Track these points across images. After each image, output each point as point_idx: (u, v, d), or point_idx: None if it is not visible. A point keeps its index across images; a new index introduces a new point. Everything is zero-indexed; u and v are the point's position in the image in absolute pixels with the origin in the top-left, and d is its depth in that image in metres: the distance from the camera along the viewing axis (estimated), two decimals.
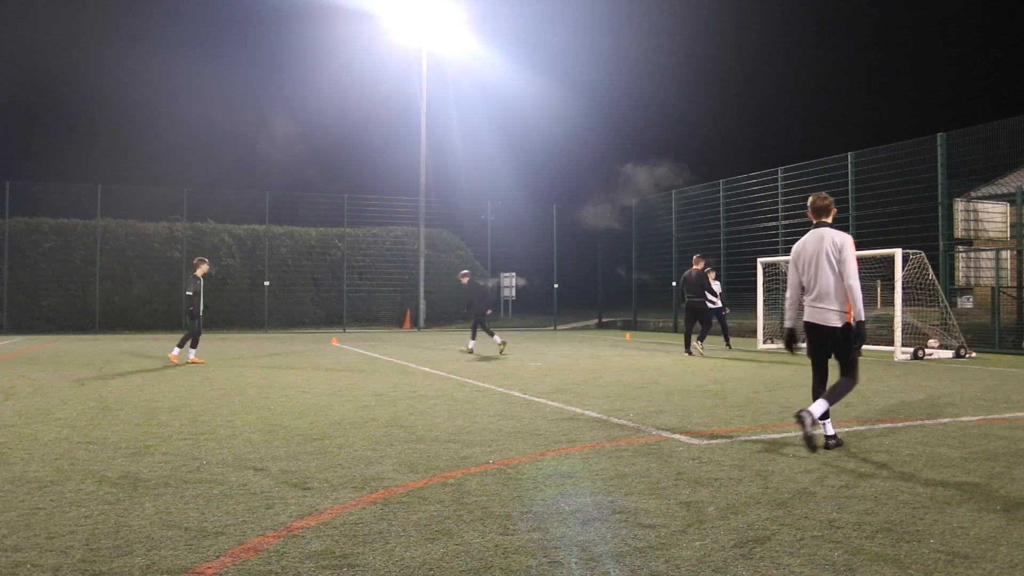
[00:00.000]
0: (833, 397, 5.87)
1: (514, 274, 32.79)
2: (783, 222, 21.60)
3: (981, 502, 4.41)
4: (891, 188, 18.51)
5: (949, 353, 14.56)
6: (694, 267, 16.06)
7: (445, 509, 4.28)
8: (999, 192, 17.87)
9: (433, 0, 27.95)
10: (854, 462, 5.43)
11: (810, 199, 6.28)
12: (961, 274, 17.04)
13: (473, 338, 16.21)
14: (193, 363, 13.48)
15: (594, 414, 7.63)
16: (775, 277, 19.56)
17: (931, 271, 15.22)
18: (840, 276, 5.90)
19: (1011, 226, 16.75)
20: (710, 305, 16.43)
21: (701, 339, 15.73)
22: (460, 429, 6.78)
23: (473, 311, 16.32)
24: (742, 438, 6.36)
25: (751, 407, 8.12)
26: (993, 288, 16.54)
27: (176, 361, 13.54)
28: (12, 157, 56.72)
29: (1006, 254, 16.77)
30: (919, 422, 7.08)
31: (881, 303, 19.61)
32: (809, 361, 6.20)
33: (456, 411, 7.85)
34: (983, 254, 17.02)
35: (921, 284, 15.09)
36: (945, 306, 15.61)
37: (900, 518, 4.10)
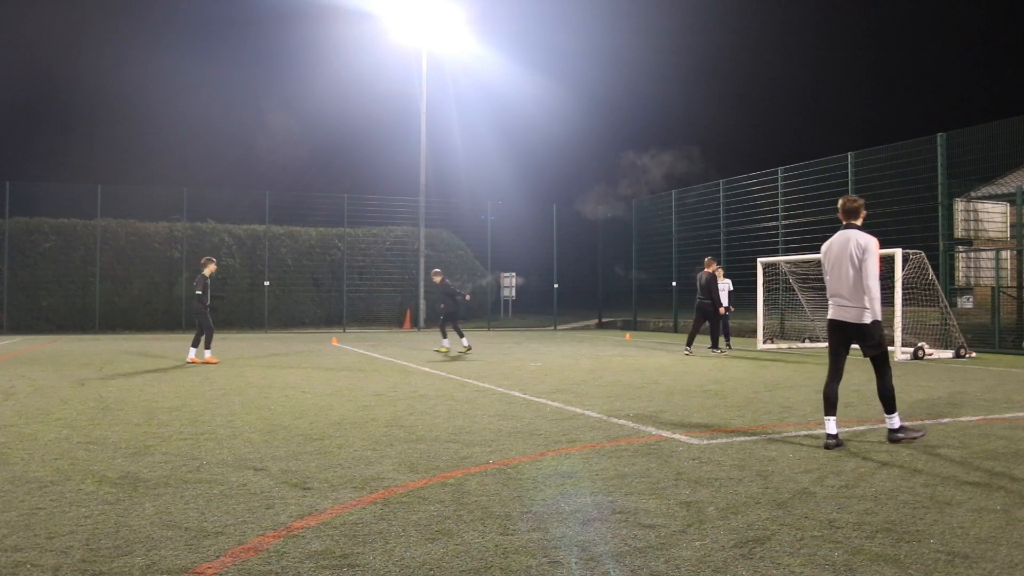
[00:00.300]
0: (888, 400, 6.10)
1: (514, 274, 32.78)
2: (783, 222, 21.59)
3: (981, 502, 4.41)
4: (891, 188, 18.51)
5: (949, 353, 14.57)
6: (705, 270, 16.22)
7: (445, 509, 4.28)
8: (999, 192, 17.86)
9: (433, 0, 27.96)
10: (854, 462, 5.44)
11: (840, 201, 6.39)
12: (961, 274, 17.03)
13: (444, 336, 16.41)
14: (208, 362, 13.45)
15: (594, 414, 7.63)
16: (775, 277, 19.55)
17: (931, 271, 15.22)
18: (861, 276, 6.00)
19: (1011, 226, 16.75)
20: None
21: (727, 339, 16.72)
22: (460, 429, 6.78)
23: (446, 310, 16.46)
24: (742, 438, 6.36)
25: (751, 407, 8.12)
26: (993, 288, 16.54)
27: (197, 362, 13.48)
28: (12, 157, 56.74)
29: (1006, 254, 16.76)
30: (919, 422, 7.08)
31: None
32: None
33: (456, 411, 7.85)
34: (983, 254, 17.01)
35: (921, 284, 15.09)
36: (945, 306, 15.61)
37: (900, 518, 4.10)
